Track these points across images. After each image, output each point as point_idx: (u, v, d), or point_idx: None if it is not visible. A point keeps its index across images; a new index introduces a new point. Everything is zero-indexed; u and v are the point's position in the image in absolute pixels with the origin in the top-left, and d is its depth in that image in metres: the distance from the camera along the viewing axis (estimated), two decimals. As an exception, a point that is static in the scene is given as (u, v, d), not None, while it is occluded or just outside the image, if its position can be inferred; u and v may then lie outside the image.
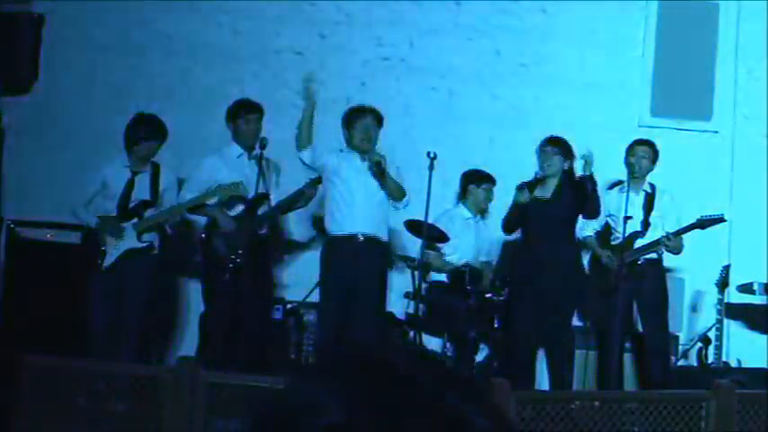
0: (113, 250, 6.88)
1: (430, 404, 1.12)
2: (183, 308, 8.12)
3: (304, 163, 7.04)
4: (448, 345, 7.35)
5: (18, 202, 8.05)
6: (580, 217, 7.37)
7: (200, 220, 7.28)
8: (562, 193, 7.20)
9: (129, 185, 6.98)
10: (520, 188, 7.17)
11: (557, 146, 7.23)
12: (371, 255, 6.96)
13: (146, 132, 6.96)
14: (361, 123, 7.01)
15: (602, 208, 7.28)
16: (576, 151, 7.25)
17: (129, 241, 6.92)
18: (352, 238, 6.93)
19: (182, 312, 8.13)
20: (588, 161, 7.07)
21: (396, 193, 7.00)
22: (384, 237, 7.09)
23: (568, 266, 7.19)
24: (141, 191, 7.01)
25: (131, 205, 6.99)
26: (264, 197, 7.10)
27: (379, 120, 7.06)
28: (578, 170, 7.19)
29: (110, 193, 6.98)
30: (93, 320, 6.85)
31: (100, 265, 6.85)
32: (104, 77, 8.30)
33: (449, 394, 1.14)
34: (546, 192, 7.21)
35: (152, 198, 7.02)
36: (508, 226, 7.35)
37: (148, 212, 7.00)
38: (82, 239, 7.12)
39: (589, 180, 7.10)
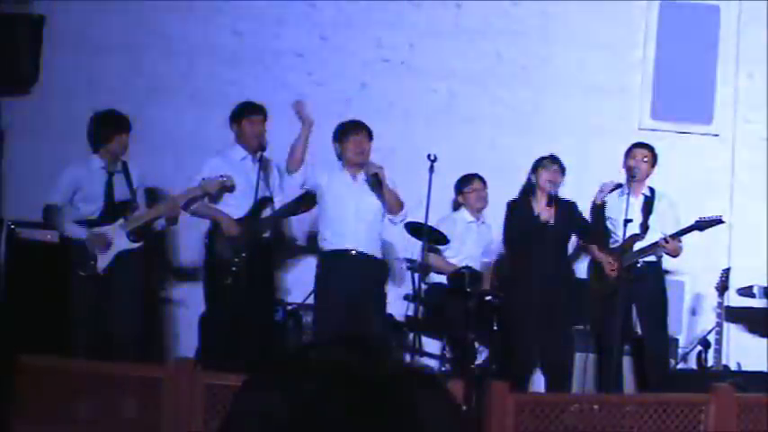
0: (104, 255, 6.83)
1: (379, 400, 1.15)
2: (181, 308, 8.11)
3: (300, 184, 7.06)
4: (447, 347, 7.35)
5: (18, 203, 8.04)
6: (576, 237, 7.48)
7: (200, 221, 7.26)
8: (563, 214, 7.25)
9: (110, 186, 6.92)
10: (513, 206, 7.24)
11: (560, 164, 7.27)
12: (366, 270, 6.97)
13: (115, 127, 6.90)
14: (354, 138, 7.02)
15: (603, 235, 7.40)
16: (580, 169, 7.38)
17: (121, 242, 6.87)
18: (345, 253, 6.94)
19: (178, 313, 8.12)
20: (603, 190, 7.18)
21: (393, 205, 7.01)
22: (377, 253, 7.10)
23: (567, 282, 7.24)
24: (120, 191, 6.94)
25: (115, 205, 6.93)
26: (268, 200, 7.10)
27: (370, 134, 7.08)
28: (588, 181, 7.30)
29: (87, 195, 6.89)
30: (81, 323, 6.80)
31: (92, 267, 6.79)
32: (104, 78, 8.29)
33: (399, 390, 1.17)
34: (549, 212, 7.22)
35: (131, 197, 6.98)
36: (511, 244, 7.39)
37: (131, 212, 6.94)
38: (60, 241, 7.04)
39: (600, 208, 7.19)
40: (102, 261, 6.80)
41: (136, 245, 6.89)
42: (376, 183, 6.98)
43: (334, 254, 6.98)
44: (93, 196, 6.90)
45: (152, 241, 7.17)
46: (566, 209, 7.29)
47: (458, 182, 7.91)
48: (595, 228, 7.31)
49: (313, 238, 7.53)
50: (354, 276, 6.90)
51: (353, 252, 6.96)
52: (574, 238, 7.61)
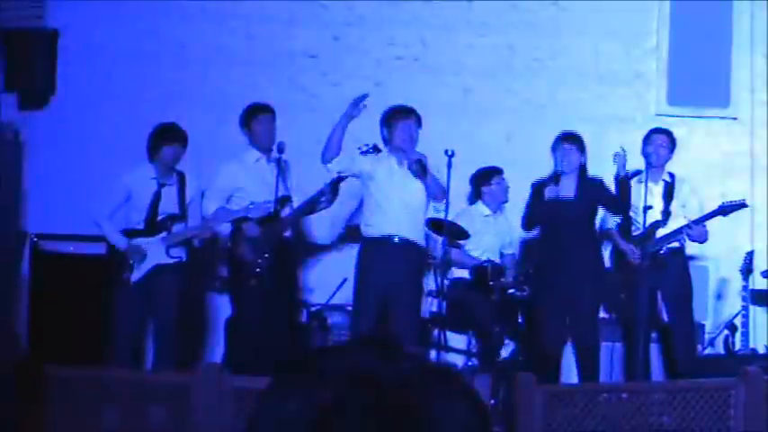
0: (141, 265, 6.86)
1: (396, 402, 1.14)
2: (210, 314, 8.14)
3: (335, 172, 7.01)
4: (473, 342, 7.34)
5: (39, 216, 8.10)
6: (603, 210, 7.37)
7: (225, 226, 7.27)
8: (581, 191, 7.20)
9: (156, 198, 6.93)
10: (537, 187, 7.19)
11: (574, 142, 7.23)
12: (407, 257, 6.95)
13: (166, 137, 6.92)
14: (404, 123, 6.99)
15: (629, 208, 7.31)
16: (599, 158, 7.29)
17: (158, 256, 6.89)
18: (387, 240, 6.91)
19: (209, 320, 8.14)
20: (621, 161, 7.11)
21: (437, 192, 6.97)
22: (420, 240, 7.08)
23: (590, 264, 7.18)
24: (168, 203, 6.96)
25: (159, 218, 6.95)
26: (287, 200, 7.11)
27: (419, 121, 7.04)
28: (606, 170, 7.21)
29: (135, 204, 6.91)
30: (119, 333, 6.85)
31: (127, 278, 6.83)
32: (120, 87, 8.33)
33: (416, 391, 1.16)
34: (565, 190, 7.20)
35: (180, 211, 7.00)
36: (528, 224, 7.37)
37: (177, 226, 6.96)
38: (107, 251, 7.09)
39: (624, 182, 7.13)
40: (139, 271, 6.82)
41: (173, 259, 6.91)
42: (420, 169, 6.95)
43: (377, 240, 6.95)
44: (142, 206, 6.92)
45: (189, 252, 7.17)
46: (590, 186, 7.22)
47: (477, 177, 7.88)
48: (621, 198, 7.23)
49: (355, 227, 7.50)
50: (395, 262, 6.86)
51: (396, 239, 6.93)
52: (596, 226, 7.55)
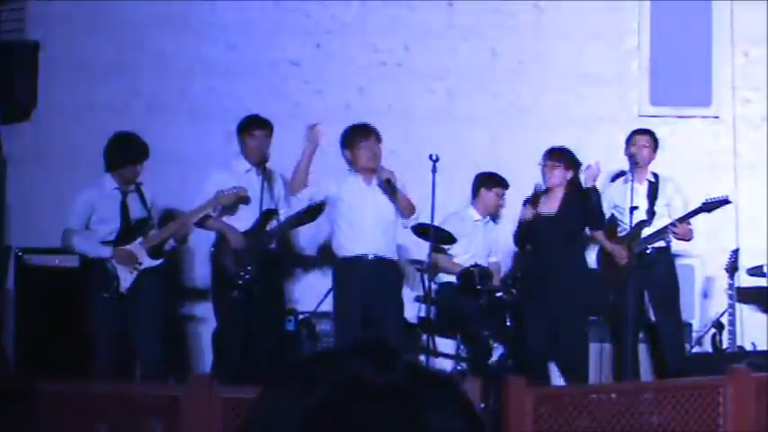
0: (128, 274, 6.84)
1: (389, 408, 1.14)
2: (197, 323, 8.12)
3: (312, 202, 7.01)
4: (461, 346, 7.35)
5: (24, 230, 8.07)
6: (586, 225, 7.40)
7: (210, 236, 7.25)
8: (567, 207, 7.21)
9: (124, 206, 6.91)
10: (523, 205, 7.24)
11: (556, 158, 7.24)
12: (384, 273, 6.94)
13: (133, 155, 6.86)
14: (367, 143, 6.98)
15: (605, 219, 7.32)
16: (581, 159, 7.30)
17: (143, 261, 6.87)
18: (361, 258, 6.92)
19: (195, 328, 8.13)
20: (589, 174, 7.12)
21: (406, 209, 6.99)
22: (394, 256, 7.08)
23: (575, 281, 7.19)
24: (134, 210, 6.94)
25: (133, 224, 6.93)
26: (272, 213, 7.10)
27: (378, 137, 7.04)
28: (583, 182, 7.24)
29: (100, 217, 6.87)
30: (104, 344, 6.81)
31: (116, 288, 6.78)
32: (102, 99, 8.32)
33: (409, 396, 1.15)
34: (551, 206, 7.22)
35: (147, 215, 6.98)
36: (519, 241, 7.41)
37: (151, 230, 6.93)
38: (81, 264, 7.04)
39: (592, 193, 7.14)
40: (126, 281, 6.80)
41: (156, 262, 6.89)
42: (389, 188, 6.96)
43: (350, 260, 6.95)
44: (109, 217, 6.89)
45: (169, 259, 7.16)
46: (576, 201, 7.24)
47: (482, 178, 7.78)
48: (593, 213, 7.26)
49: (328, 247, 7.50)
50: (372, 281, 6.87)
51: (370, 257, 6.94)
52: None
